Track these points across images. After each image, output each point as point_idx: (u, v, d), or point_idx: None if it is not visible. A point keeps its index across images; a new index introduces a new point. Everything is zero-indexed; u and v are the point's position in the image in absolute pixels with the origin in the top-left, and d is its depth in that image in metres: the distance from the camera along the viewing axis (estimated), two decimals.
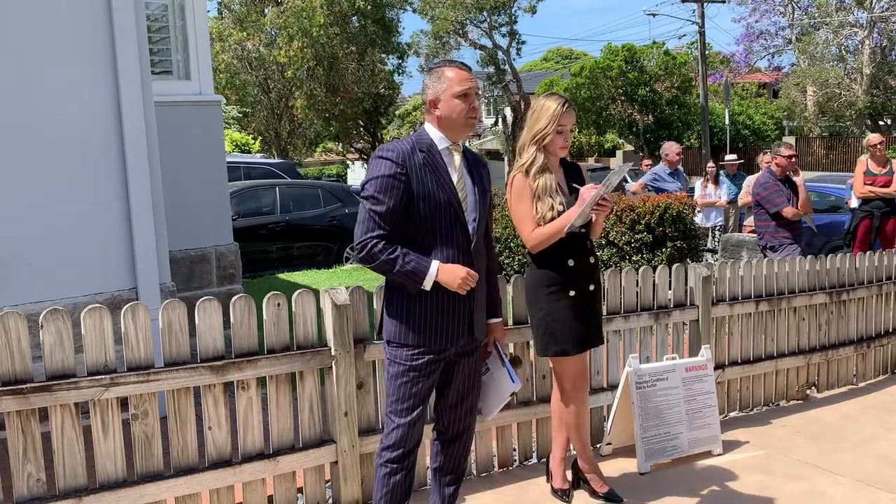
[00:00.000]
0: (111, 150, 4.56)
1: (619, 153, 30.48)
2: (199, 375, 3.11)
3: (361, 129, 32.59)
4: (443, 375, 2.98)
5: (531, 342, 3.80)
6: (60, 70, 4.41)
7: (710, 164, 10.57)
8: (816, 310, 5.21)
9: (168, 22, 5.95)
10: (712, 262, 7.20)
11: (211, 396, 3.16)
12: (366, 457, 3.53)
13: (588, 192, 3.33)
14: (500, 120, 35.17)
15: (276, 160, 19.36)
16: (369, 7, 28.30)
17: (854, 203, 8.68)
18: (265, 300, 3.30)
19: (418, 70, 33.67)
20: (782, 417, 4.83)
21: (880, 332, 5.68)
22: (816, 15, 29.78)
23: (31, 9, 4.32)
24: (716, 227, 9.85)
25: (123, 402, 2.99)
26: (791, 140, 27.51)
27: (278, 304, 3.31)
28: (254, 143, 24.92)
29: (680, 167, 9.27)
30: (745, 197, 8.72)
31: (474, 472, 3.94)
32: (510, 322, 3.95)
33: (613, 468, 4.02)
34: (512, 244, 7.78)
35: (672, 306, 4.50)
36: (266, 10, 29.08)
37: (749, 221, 8.79)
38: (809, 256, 5.27)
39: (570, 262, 3.46)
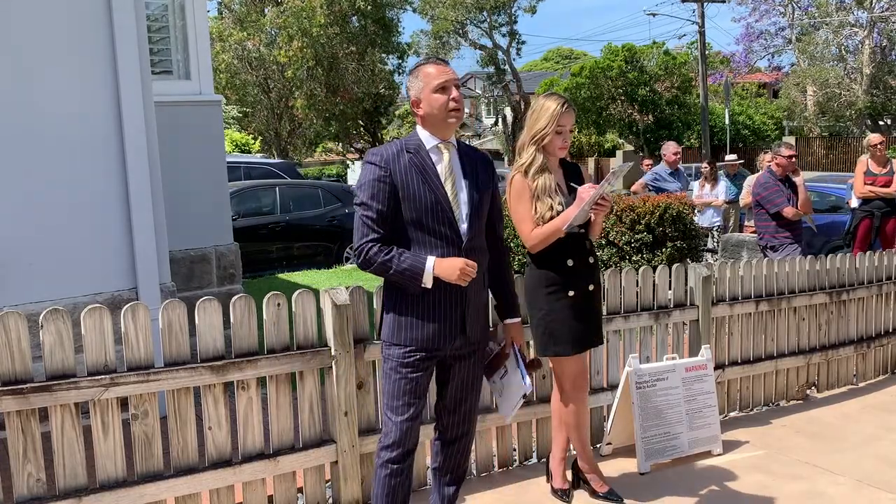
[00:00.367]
0: (111, 150, 4.56)
1: (619, 153, 30.45)
2: (199, 375, 3.11)
3: (361, 129, 32.62)
4: (441, 376, 2.98)
5: (531, 342, 3.80)
6: (60, 70, 4.41)
7: (705, 164, 10.52)
8: (816, 310, 5.21)
9: (168, 22, 5.95)
10: (712, 262, 7.20)
11: (211, 396, 3.16)
12: (366, 457, 3.53)
13: (586, 191, 3.33)
14: (500, 120, 35.20)
15: (276, 160, 19.37)
16: (369, 7, 28.32)
17: (854, 203, 8.69)
18: (265, 300, 3.30)
19: None
20: (782, 417, 4.83)
21: (880, 332, 5.68)
22: (816, 15, 29.79)
23: (31, 9, 4.32)
24: (713, 227, 9.81)
25: (123, 402, 2.99)
26: (791, 140, 27.49)
27: (278, 304, 3.31)
28: (254, 143, 24.91)
29: (680, 167, 9.27)
30: (746, 197, 8.71)
31: (474, 472, 3.94)
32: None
33: (613, 468, 4.02)
34: (512, 244, 7.77)
35: (672, 306, 4.50)
36: (266, 10, 29.09)
37: (750, 222, 8.78)
38: (809, 256, 5.27)
39: (570, 262, 3.46)
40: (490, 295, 3.14)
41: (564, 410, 3.63)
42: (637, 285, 4.35)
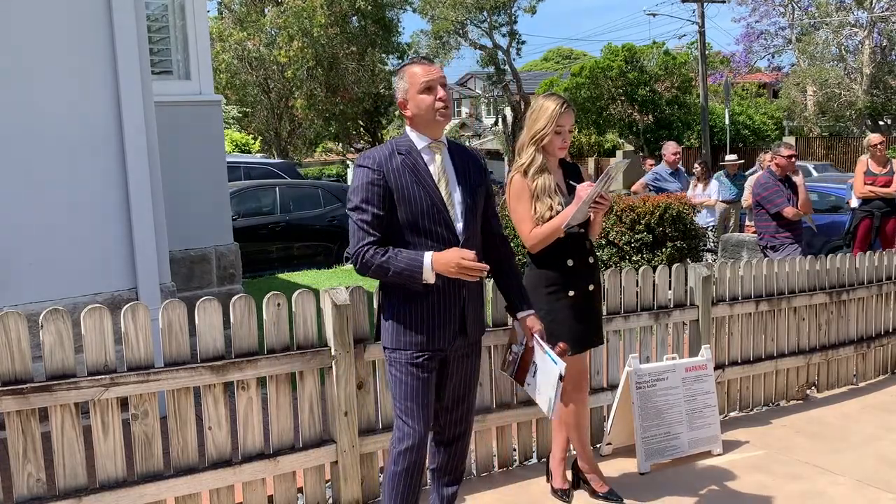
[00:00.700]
0: (111, 150, 4.56)
1: (618, 153, 30.43)
2: (199, 375, 3.11)
3: (361, 129, 32.61)
4: (440, 376, 2.97)
5: None
6: (60, 70, 4.41)
7: (697, 164, 10.52)
8: (816, 310, 5.21)
9: (168, 22, 5.95)
10: (712, 261, 7.20)
11: (211, 396, 3.16)
12: (366, 457, 3.54)
13: (584, 189, 3.33)
14: (500, 120, 35.19)
15: (276, 160, 19.36)
16: (369, 7, 28.31)
17: (854, 203, 8.69)
18: (265, 300, 3.30)
19: None
20: (782, 417, 4.83)
21: (880, 332, 5.68)
22: (816, 15, 29.78)
23: (31, 9, 4.32)
24: (707, 226, 9.79)
25: (123, 402, 2.99)
26: (791, 140, 27.48)
27: (278, 304, 3.31)
28: (254, 143, 24.91)
29: (680, 167, 9.26)
30: (748, 198, 8.71)
31: (474, 471, 3.94)
32: (509, 321, 3.95)
33: (613, 468, 4.02)
34: (512, 244, 7.77)
35: (672, 306, 4.50)
36: (266, 10, 29.08)
37: (751, 222, 8.77)
38: (809, 256, 5.27)
39: (570, 262, 3.46)
40: (499, 293, 3.08)
41: (564, 410, 3.62)
42: (637, 285, 4.35)
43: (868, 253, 5.66)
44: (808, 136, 29.93)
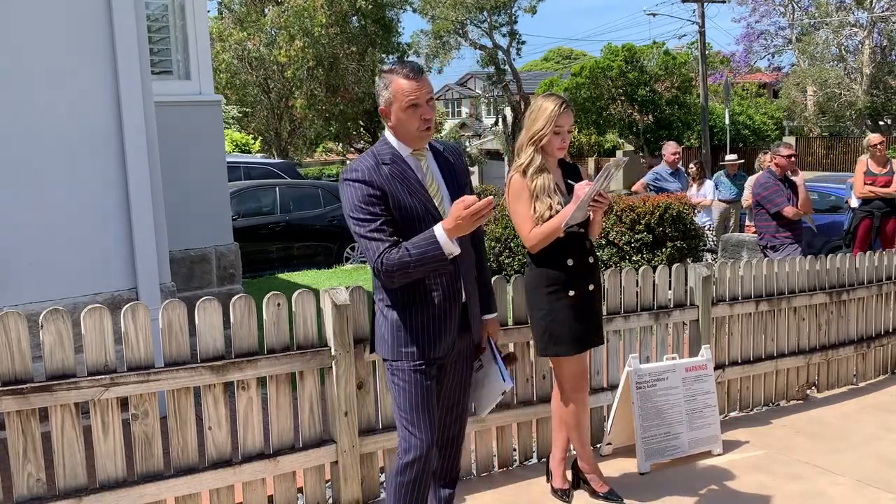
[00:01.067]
0: (111, 150, 4.56)
1: (618, 153, 30.45)
2: (199, 375, 3.11)
3: (361, 129, 32.59)
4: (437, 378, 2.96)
5: (531, 342, 3.80)
6: (60, 70, 4.41)
7: (693, 164, 10.52)
8: (816, 310, 5.21)
9: (168, 22, 5.95)
10: (711, 261, 7.20)
11: (211, 396, 3.16)
12: (366, 457, 3.54)
13: (582, 188, 3.33)
14: (500, 120, 35.18)
15: (276, 160, 19.37)
16: (370, 7, 28.29)
17: (854, 203, 8.69)
18: (265, 300, 3.30)
19: None
20: (782, 417, 4.83)
21: (880, 332, 5.68)
22: (816, 15, 29.79)
23: (31, 9, 4.32)
24: (703, 226, 9.77)
25: (123, 402, 3.00)
26: (791, 140, 27.49)
27: (278, 304, 3.31)
28: (254, 143, 24.92)
29: (680, 167, 9.26)
30: (748, 198, 8.70)
31: (474, 472, 3.94)
32: (510, 322, 3.95)
33: (613, 468, 4.02)
34: (512, 244, 7.77)
35: (672, 306, 4.50)
36: (266, 10, 29.07)
37: (751, 222, 8.77)
38: (809, 256, 5.27)
39: (570, 262, 3.46)
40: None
41: (564, 410, 3.63)
42: (637, 285, 4.35)
43: (868, 253, 5.66)
44: (808, 137, 29.95)
